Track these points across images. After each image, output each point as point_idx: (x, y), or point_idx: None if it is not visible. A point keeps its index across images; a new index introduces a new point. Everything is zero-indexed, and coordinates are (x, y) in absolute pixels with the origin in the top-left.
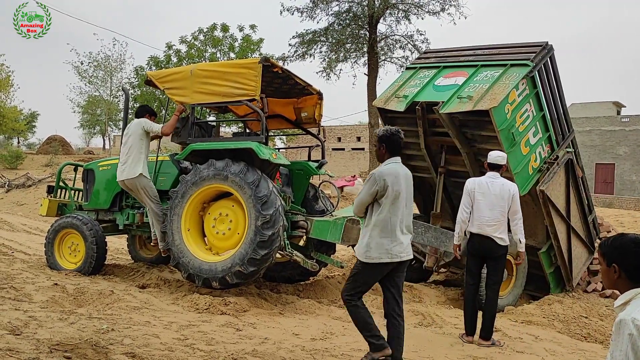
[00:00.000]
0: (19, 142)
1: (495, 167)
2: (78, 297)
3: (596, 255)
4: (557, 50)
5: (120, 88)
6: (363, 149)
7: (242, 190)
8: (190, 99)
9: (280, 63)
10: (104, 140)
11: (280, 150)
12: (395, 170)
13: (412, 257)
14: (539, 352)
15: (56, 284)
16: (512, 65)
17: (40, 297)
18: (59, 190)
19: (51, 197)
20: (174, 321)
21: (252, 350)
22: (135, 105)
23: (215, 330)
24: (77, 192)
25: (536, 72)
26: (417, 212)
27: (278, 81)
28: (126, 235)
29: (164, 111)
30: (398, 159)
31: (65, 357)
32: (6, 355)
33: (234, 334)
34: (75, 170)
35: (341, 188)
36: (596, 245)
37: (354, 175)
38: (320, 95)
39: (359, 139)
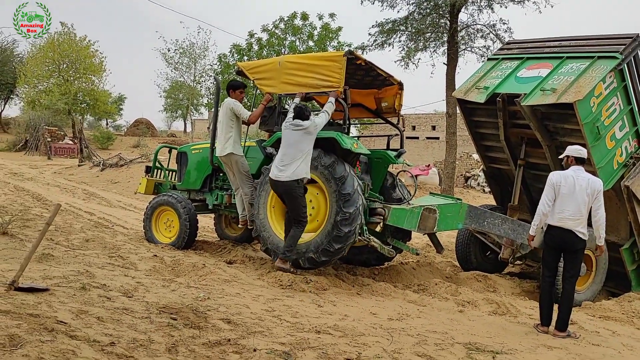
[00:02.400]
0: (107, 124)
1: (580, 161)
2: (175, 268)
3: None
4: None
5: (213, 78)
6: (438, 138)
7: (328, 183)
8: (278, 89)
9: (359, 52)
10: (185, 123)
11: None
12: (282, 131)
13: (280, 179)
14: (616, 346)
15: (155, 255)
16: (599, 57)
17: (143, 265)
18: (155, 171)
19: (149, 176)
20: (260, 294)
21: (333, 325)
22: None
23: (299, 304)
24: (171, 172)
25: (625, 65)
26: (494, 203)
27: (361, 73)
28: (212, 215)
29: (247, 101)
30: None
31: (172, 318)
32: (123, 313)
33: (316, 309)
34: (170, 152)
35: (415, 177)
36: None
37: (429, 165)
38: (401, 85)
39: (434, 127)
